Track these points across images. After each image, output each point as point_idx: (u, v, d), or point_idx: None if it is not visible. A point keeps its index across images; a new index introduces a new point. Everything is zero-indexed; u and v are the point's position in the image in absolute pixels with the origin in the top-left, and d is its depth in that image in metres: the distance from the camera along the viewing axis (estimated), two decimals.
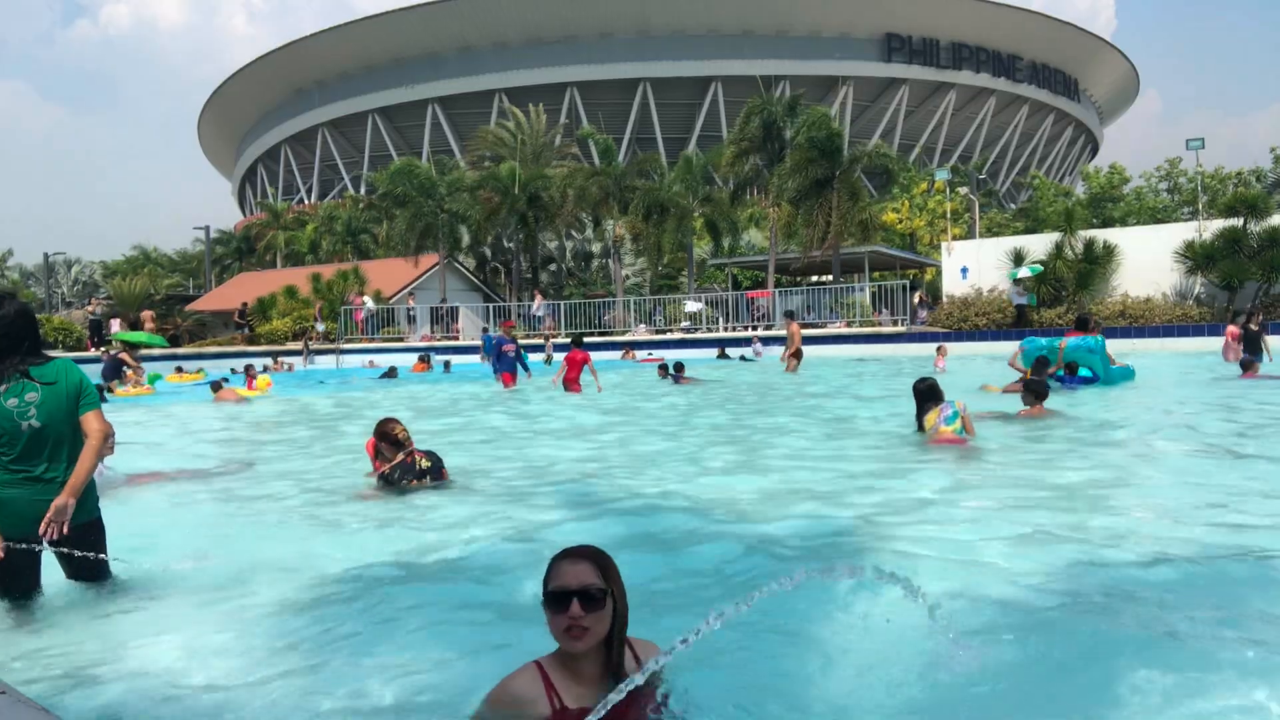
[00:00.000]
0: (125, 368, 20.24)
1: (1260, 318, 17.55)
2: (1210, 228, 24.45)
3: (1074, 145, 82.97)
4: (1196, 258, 24.07)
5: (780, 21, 64.58)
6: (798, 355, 19.35)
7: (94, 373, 19.90)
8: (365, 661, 3.27)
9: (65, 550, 3.86)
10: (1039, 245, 27.00)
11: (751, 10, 63.66)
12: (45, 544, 3.77)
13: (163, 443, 10.33)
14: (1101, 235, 26.40)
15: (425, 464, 6.64)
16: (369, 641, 3.50)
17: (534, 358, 19.22)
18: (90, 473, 3.90)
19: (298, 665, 3.26)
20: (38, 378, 3.85)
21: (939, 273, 31.77)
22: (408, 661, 3.24)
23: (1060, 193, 54.78)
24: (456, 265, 41.76)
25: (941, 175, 40.71)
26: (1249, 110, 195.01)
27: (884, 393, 14.12)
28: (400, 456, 6.62)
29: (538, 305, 34.75)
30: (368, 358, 29.69)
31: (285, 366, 27.27)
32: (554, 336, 30.10)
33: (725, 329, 31.28)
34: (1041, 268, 25.29)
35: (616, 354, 27.73)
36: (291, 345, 32.10)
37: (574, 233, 44.82)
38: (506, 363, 16.85)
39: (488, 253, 45.69)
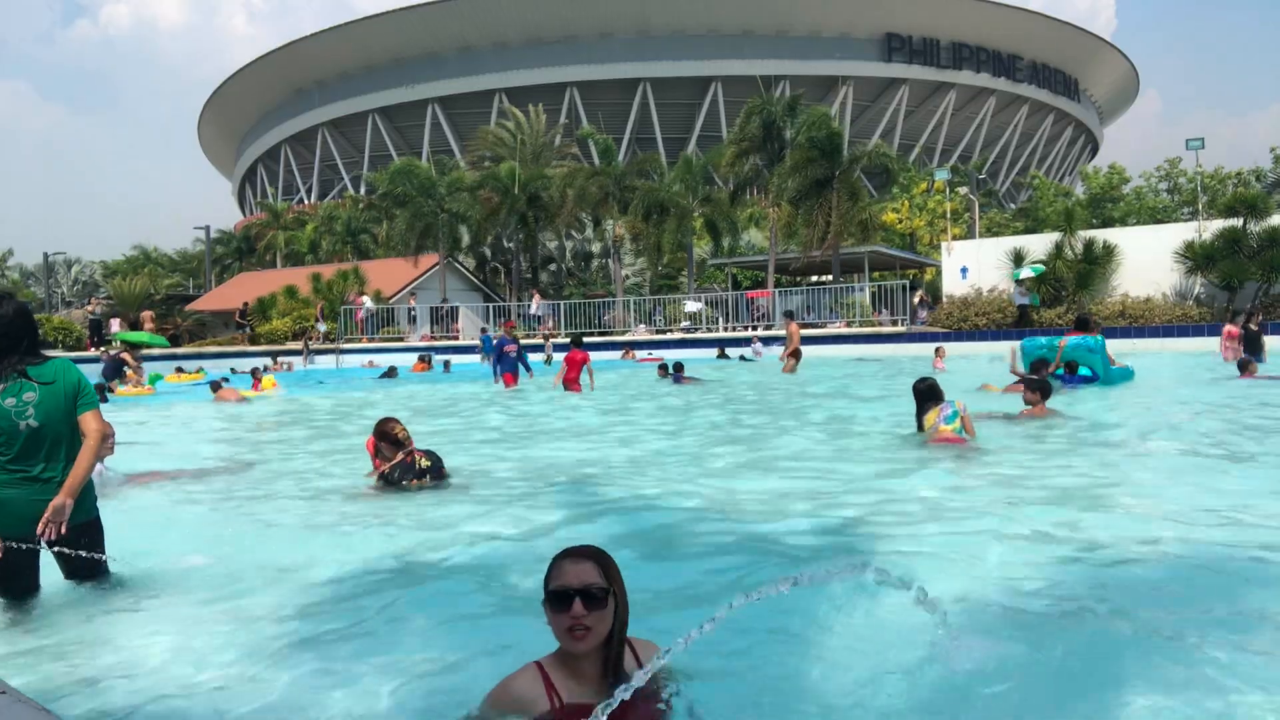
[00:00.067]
0: (126, 368, 20.25)
1: (1260, 317, 17.55)
2: (1210, 228, 24.46)
3: (1074, 145, 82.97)
4: (1196, 258, 24.07)
5: (780, 21, 64.58)
6: (796, 355, 19.35)
7: (94, 372, 19.90)
8: (365, 661, 3.26)
9: (64, 550, 3.86)
10: (1039, 245, 27.01)
11: (751, 10, 63.66)
12: (43, 544, 3.77)
13: (163, 443, 10.33)
14: (1101, 235, 26.41)
15: (425, 463, 6.63)
16: (368, 641, 3.49)
17: (534, 358, 19.20)
18: (88, 472, 3.90)
19: (297, 665, 3.25)
20: (36, 377, 3.85)
21: (939, 273, 31.77)
22: (407, 661, 3.24)
23: (1060, 193, 54.78)
24: (456, 265, 41.76)
25: (941, 175, 40.72)
26: (1249, 110, 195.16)
27: (883, 393, 14.11)
28: (400, 456, 6.62)
29: (536, 305, 34.75)
30: (367, 358, 29.70)
31: (285, 366, 27.27)
32: (554, 336, 30.10)
33: (725, 329, 31.28)
34: (1044, 268, 25.30)
35: (616, 354, 27.74)
36: (291, 345, 32.09)
37: (574, 233, 44.82)
38: (508, 363, 16.85)
39: (488, 253, 45.69)
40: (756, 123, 31.76)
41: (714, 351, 27.37)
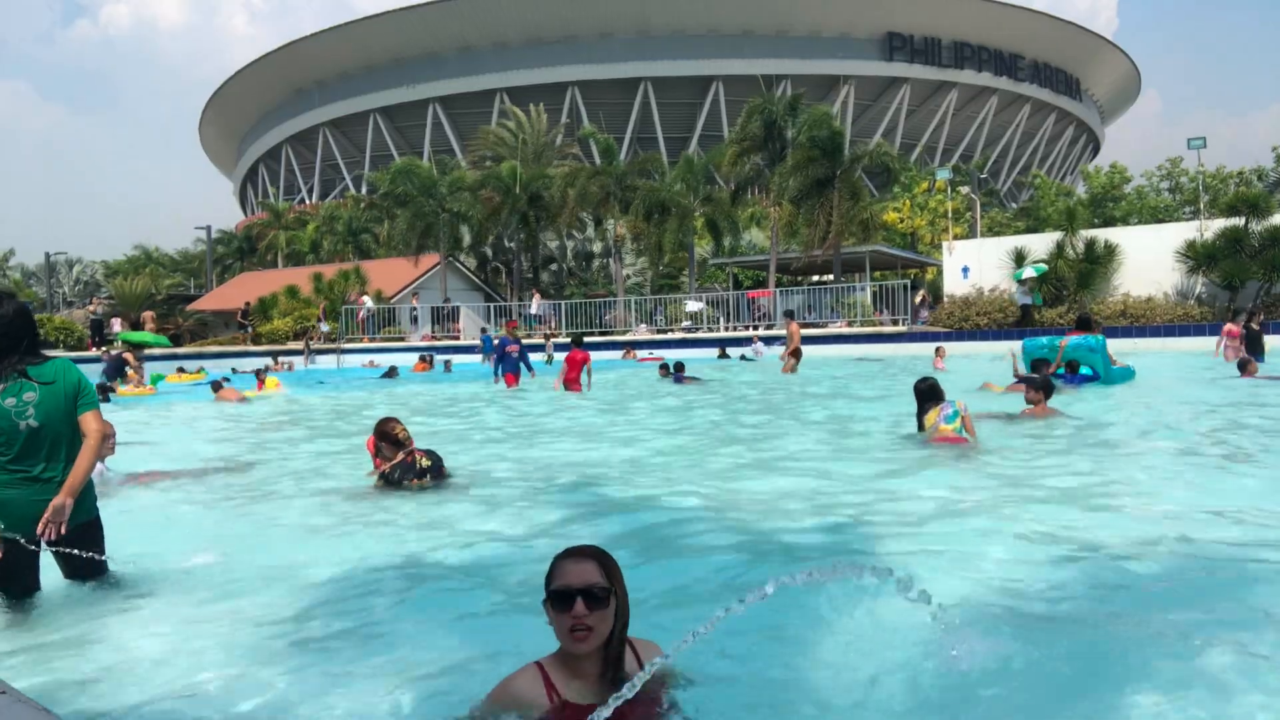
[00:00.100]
0: (127, 368, 20.27)
1: (1261, 317, 17.53)
2: (1211, 227, 24.43)
3: (1075, 144, 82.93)
4: (1198, 257, 24.05)
5: (781, 21, 64.56)
6: (797, 355, 19.34)
7: (95, 372, 19.91)
8: (365, 661, 3.26)
9: (64, 549, 3.86)
10: (1040, 245, 26.99)
11: (752, 10, 63.63)
12: (44, 544, 3.77)
13: (164, 443, 10.33)
14: (1103, 235, 26.38)
15: (425, 463, 6.64)
16: (369, 641, 3.49)
17: (535, 357, 19.20)
18: (88, 472, 3.90)
19: (297, 665, 3.25)
20: (36, 377, 3.85)
21: (940, 272, 31.75)
22: (408, 661, 3.24)
23: (1062, 192, 54.73)
24: (457, 265, 41.77)
25: (943, 174, 40.67)
26: (1250, 110, 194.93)
27: (884, 393, 14.11)
28: (400, 455, 6.62)
29: (536, 305, 34.75)
30: (368, 357, 29.70)
31: (285, 366, 27.27)
32: (555, 336, 30.10)
33: (726, 329, 31.28)
34: (1046, 267, 25.28)
35: (618, 353, 27.73)
36: (293, 345, 32.11)
37: (575, 232, 44.80)
38: (510, 363, 16.81)
39: (489, 252, 45.70)
40: (758, 122, 31.75)
41: (715, 351, 27.37)
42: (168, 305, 48.13)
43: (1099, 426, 9.15)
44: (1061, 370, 13.21)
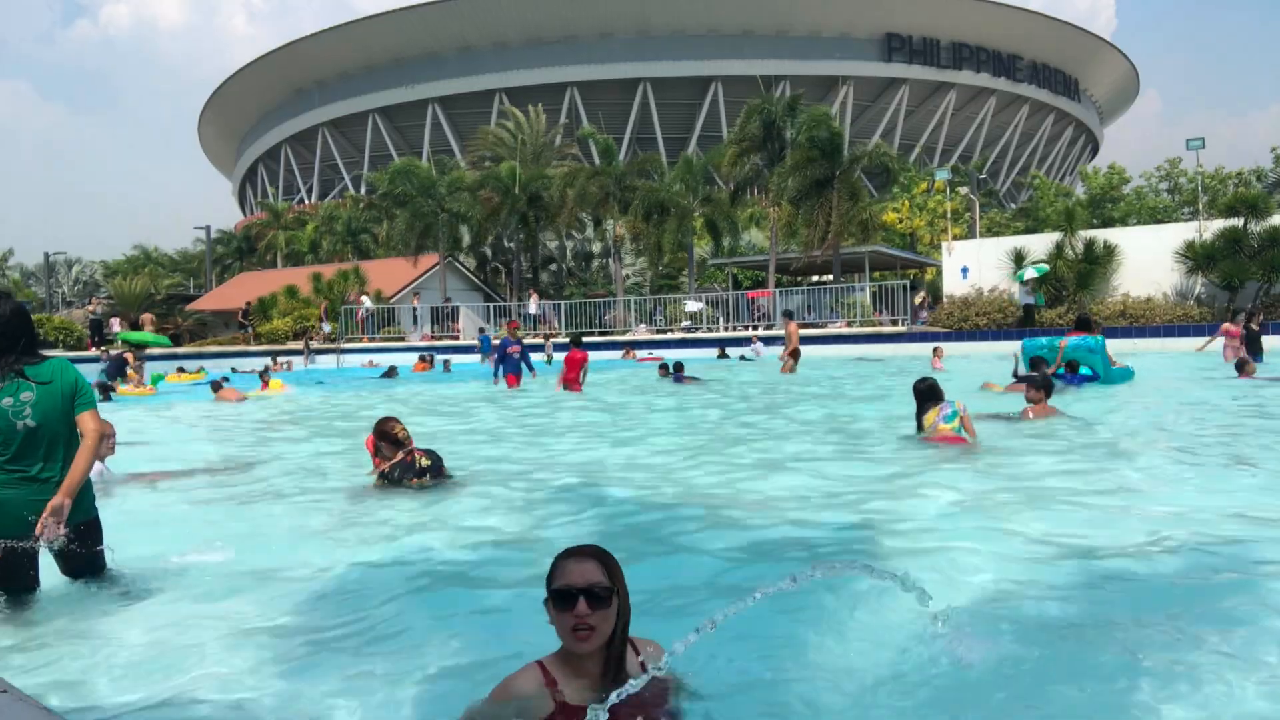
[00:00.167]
0: (127, 367, 20.27)
1: (1261, 317, 17.55)
2: (1211, 228, 24.45)
3: (1074, 145, 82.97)
4: (1197, 258, 24.07)
5: (780, 21, 64.58)
6: (795, 355, 19.34)
7: (94, 372, 19.91)
8: (365, 661, 3.26)
9: (61, 549, 3.85)
10: (1039, 245, 27.00)
11: (751, 10, 63.66)
12: (42, 544, 3.76)
13: (163, 442, 10.33)
14: (1102, 235, 26.40)
15: (425, 462, 6.63)
16: (368, 641, 3.49)
17: (535, 357, 19.19)
18: (86, 472, 3.89)
19: (296, 663, 3.25)
20: (33, 377, 3.84)
21: (939, 273, 31.76)
22: (408, 661, 3.24)
23: (1061, 192, 54.77)
24: (457, 265, 41.78)
25: (942, 175, 40.71)
26: (1249, 110, 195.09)
27: (883, 393, 14.12)
28: (400, 455, 6.62)
29: (534, 305, 34.75)
30: (367, 357, 29.71)
31: (285, 365, 27.27)
32: (554, 336, 30.10)
33: (726, 329, 31.28)
34: (1047, 267, 25.28)
35: (617, 353, 27.75)
36: (292, 345, 32.10)
37: (574, 233, 44.82)
38: (512, 364, 16.77)
39: (488, 252, 45.70)
40: (757, 122, 31.76)
41: (714, 351, 27.38)
42: (167, 305, 48.13)
43: (1099, 427, 9.15)
44: (1061, 370, 13.22)
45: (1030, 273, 25.01)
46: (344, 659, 3.29)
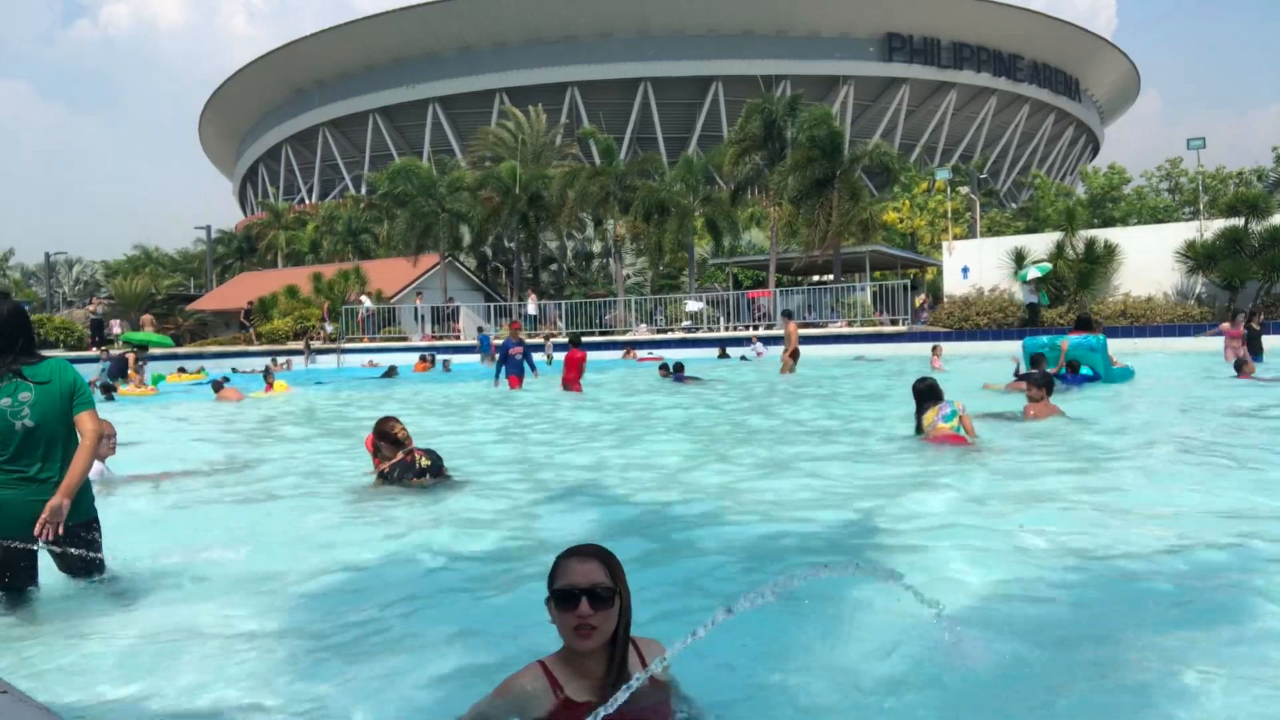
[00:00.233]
0: (128, 368, 20.27)
1: (1262, 317, 17.53)
2: (1211, 227, 24.44)
3: (1075, 145, 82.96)
4: (1198, 257, 24.06)
5: (780, 21, 64.57)
6: (795, 355, 19.32)
7: (92, 372, 19.90)
8: (365, 660, 3.26)
9: (61, 550, 3.86)
10: (1040, 245, 27.00)
11: (751, 10, 63.65)
12: (41, 544, 3.76)
13: (164, 443, 10.33)
14: (1102, 235, 26.39)
15: (425, 462, 6.63)
16: (368, 640, 3.49)
17: (535, 357, 19.18)
18: (84, 473, 3.89)
19: (296, 663, 3.25)
20: (31, 377, 3.84)
21: (940, 272, 31.75)
22: (408, 660, 3.23)
23: (1061, 192, 54.75)
24: (457, 265, 41.78)
25: (942, 175, 40.70)
26: (1249, 110, 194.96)
27: (883, 392, 14.12)
28: (400, 455, 6.62)
29: (532, 305, 34.74)
30: (368, 357, 29.71)
31: (285, 365, 27.27)
32: (555, 336, 30.09)
33: (726, 329, 31.28)
34: (1050, 266, 25.27)
35: (618, 353, 27.74)
36: (292, 345, 32.11)
37: (575, 232, 44.81)
38: (514, 365, 16.74)
39: (489, 252, 45.70)
40: (757, 122, 31.74)
41: (715, 351, 27.37)
42: (167, 305, 48.18)
43: (1099, 426, 9.14)
44: (1063, 371, 13.22)
45: (1033, 272, 25.00)
46: (344, 659, 3.28)
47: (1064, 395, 11.24)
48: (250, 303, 36.52)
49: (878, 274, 36.19)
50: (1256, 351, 16.17)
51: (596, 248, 48.69)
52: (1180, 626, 3.33)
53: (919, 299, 33.24)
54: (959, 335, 24.94)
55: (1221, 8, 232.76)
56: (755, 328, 29.77)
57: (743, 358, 25.62)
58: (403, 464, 6.58)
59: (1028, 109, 73.84)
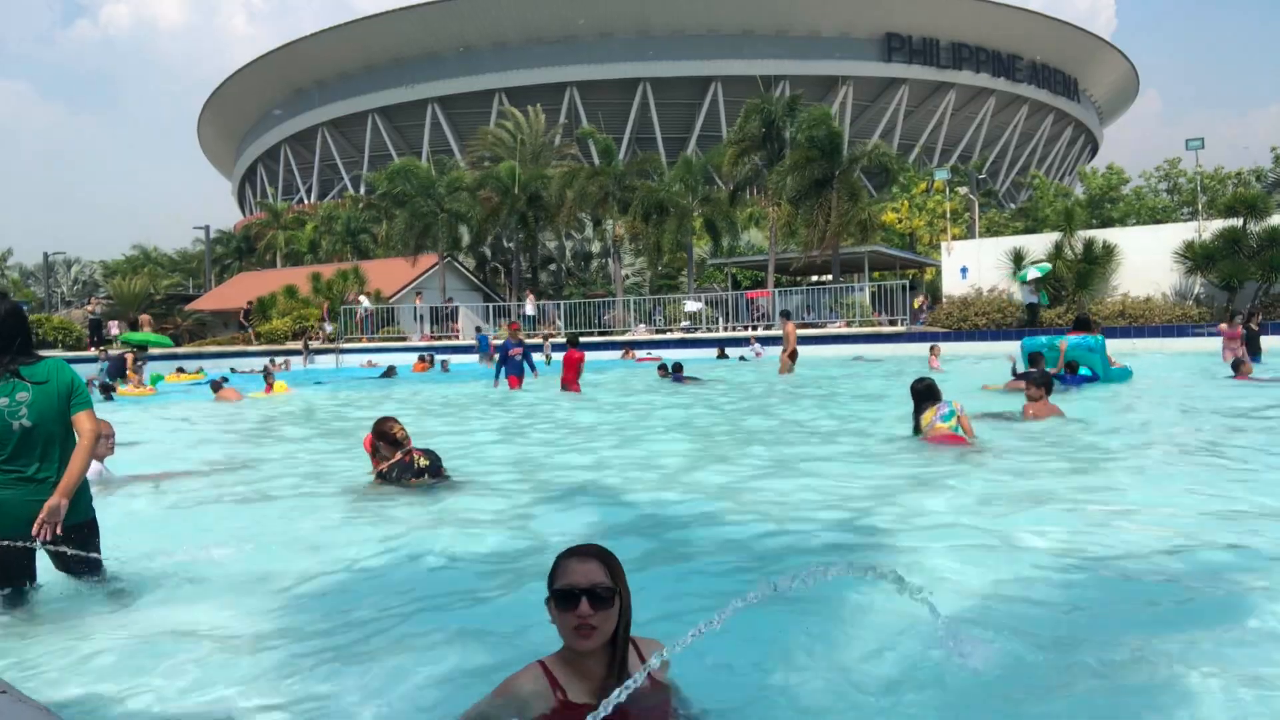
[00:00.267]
0: (127, 368, 20.27)
1: (1260, 317, 17.54)
2: (1210, 228, 24.46)
3: (1074, 145, 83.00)
4: (1196, 258, 24.08)
5: (780, 21, 64.58)
6: (793, 355, 19.32)
7: (90, 372, 19.88)
8: (365, 661, 3.26)
9: (59, 550, 3.85)
10: (1039, 245, 27.01)
11: (751, 10, 63.67)
12: (40, 544, 3.76)
13: (163, 443, 10.32)
14: (1101, 235, 26.41)
15: (424, 462, 6.63)
16: (367, 639, 3.49)
17: (534, 357, 19.18)
18: (82, 473, 3.89)
19: (296, 664, 3.25)
20: (28, 377, 3.84)
21: (938, 273, 31.76)
22: (408, 661, 3.23)
23: (1060, 192, 54.79)
24: (456, 265, 41.77)
25: (941, 175, 40.72)
26: (1249, 110, 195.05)
27: (881, 392, 14.12)
28: (398, 455, 6.62)
29: (530, 305, 34.74)
30: (366, 357, 29.71)
31: (283, 365, 27.27)
32: (554, 336, 30.09)
33: (725, 329, 31.28)
34: (1050, 266, 25.29)
35: (616, 354, 27.74)
36: (291, 345, 32.10)
37: (574, 233, 44.82)
38: (514, 366, 16.74)
39: (487, 252, 45.70)
40: (756, 122, 31.74)
41: (714, 351, 27.38)
42: (166, 305, 48.12)
43: (1098, 427, 9.15)
44: (1062, 373, 13.22)
45: (1033, 272, 25.01)
46: (343, 659, 3.28)
47: (1063, 396, 11.24)
48: (250, 303, 36.51)
49: (876, 274, 36.20)
50: (1255, 352, 16.19)
51: (595, 248, 48.70)
52: (1180, 626, 3.33)
53: (917, 301, 33.25)
54: (958, 335, 24.95)
55: (1221, 8, 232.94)
56: (754, 328, 29.78)
57: (741, 358, 25.62)
58: (401, 464, 6.58)
59: (1027, 109, 73.87)
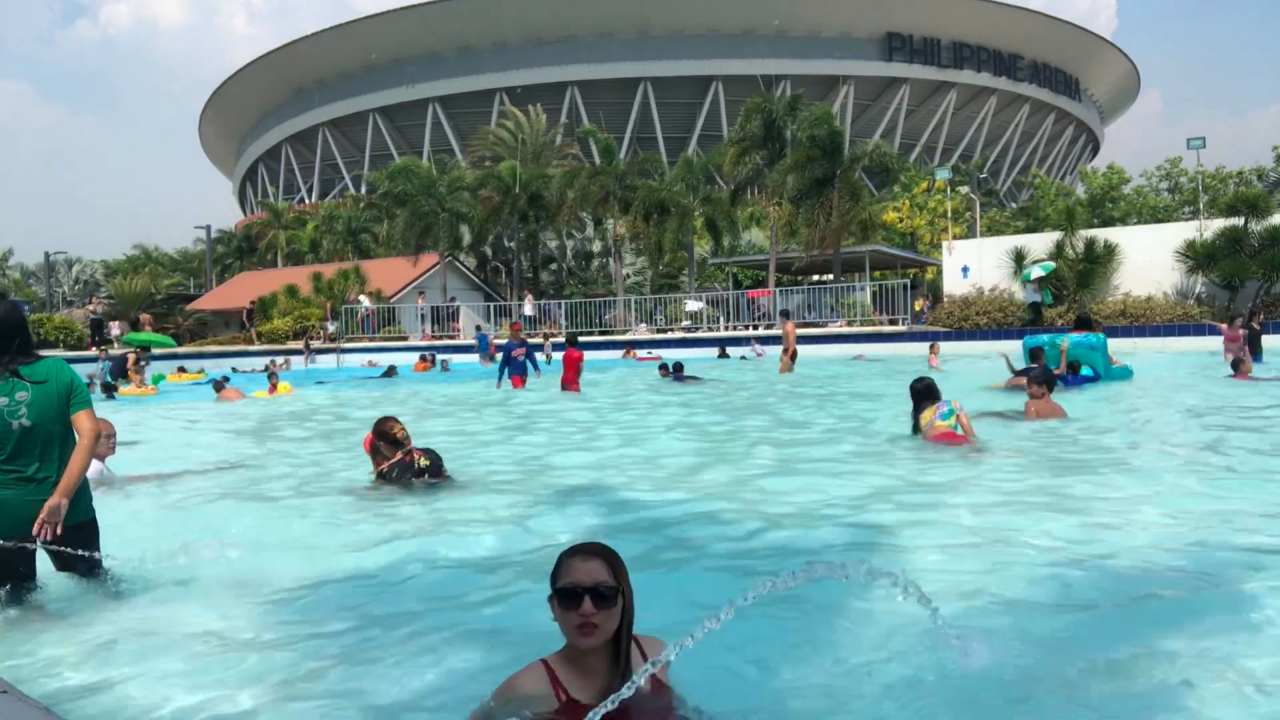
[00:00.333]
0: (128, 368, 20.29)
1: (1261, 316, 17.52)
2: (1211, 227, 24.43)
3: (1075, 144, 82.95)
4: (1197, 257, 24.05)
5: (781, 21, 64.55)
6: (793, 355, 19.31)
7: (89, 372, 19.89)
8: (366, 661, 3.26)
9: (59, 549, 3.86)
10: (1040, 244, 26.99)
11: (752, 10, 63.65)
12: (40, 544, 3.76)
13: (164, 442, 10.33)
14: (1102, 234, 26.38)
15: (424, 462, 6.63)
16: (369, 639, 3.49)
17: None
18: (82, 472, 3.89)
19: (297, 663, 3.25)
20: (28, 376, 3.84)
21: (940, 272, 31.75)
22: (410, 661, 3.23)
23: (1061, 192, 54.75)
24: (457, 264, 41.76)
25: (942, 174, 40.69)
26: (1250, 109, 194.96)
27: (881, 392, 14.11)
28: (399, 455, 6.62)
29: (529, 305, 34.74)
30: (367, 357, 29.71)
31: (284, 365, 27.27)
32: (554, 335, 30.09)
33: (726, 328, 31.27)
34: (1053, 265, 25.27)
35: (617, 353, 27.73)
36: (292, 344, 32.11)
37: (575, 232, 44.82)
38: (517, 366, 16.72)
39: (488, 252, 45.70)
40: (757, 121, 31.72)
41: (715, 351, 27.37)
42: (167, 305, 48.14)
43: (1099, 426, 9.14)
44: (1065, 373, 13.21)
45: (1036, 271, 24.98)
46: (344, 659, 3.28)
47: (1064, 395, 11.24)
48: (252, 303, 36.53)
49: (877, 274, 36.18)
50: (1256, 351, 16.16)
51: (596, 247, 48.69)
52: (1181, 626, 3.32)
53: (918, 303, 33.23)
54: (959, 335, 24.94)
55: (1221, 8, 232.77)
56: (755, 327, 29.76)
57: (742, 357, 25.61)
58: (401, 464, 6.58)
59: (1028, 109, 73.84)
